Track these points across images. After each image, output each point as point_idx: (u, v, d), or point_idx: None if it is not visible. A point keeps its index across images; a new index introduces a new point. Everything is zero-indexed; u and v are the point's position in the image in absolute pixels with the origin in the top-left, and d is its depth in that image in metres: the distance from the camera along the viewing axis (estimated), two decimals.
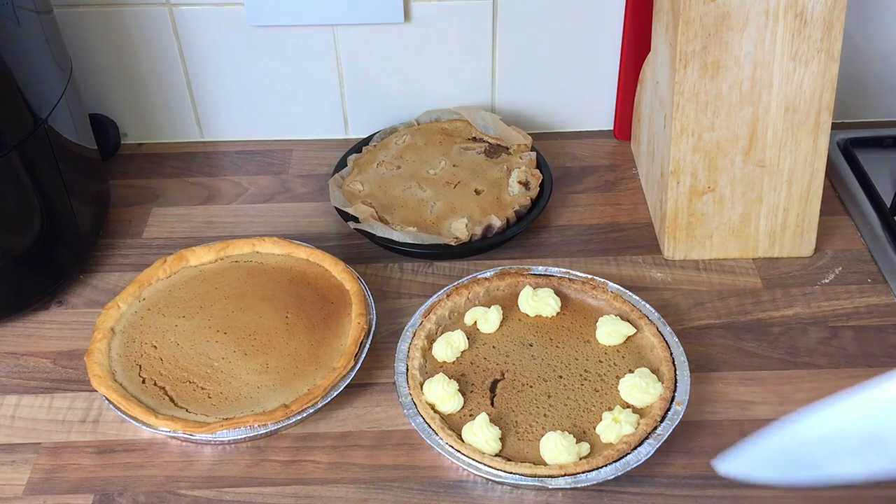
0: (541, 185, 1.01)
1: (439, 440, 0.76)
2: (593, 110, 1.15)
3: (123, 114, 1.13)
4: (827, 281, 0.93)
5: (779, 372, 0.84)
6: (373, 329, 0.85)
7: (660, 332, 0.83)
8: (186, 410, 0.79)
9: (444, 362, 0.83)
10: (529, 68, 1.11)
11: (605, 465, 0.73)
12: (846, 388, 0.80)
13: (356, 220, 0.97)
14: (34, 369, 0.86)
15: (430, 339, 0.85)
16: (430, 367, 0.83)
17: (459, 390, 0.79)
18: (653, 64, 0.99)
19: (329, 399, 0.79)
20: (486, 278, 0.90)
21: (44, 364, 0.87)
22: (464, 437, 0.76)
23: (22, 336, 0.89)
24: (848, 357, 0.85)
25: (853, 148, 1.08)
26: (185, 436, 0.77)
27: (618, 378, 0.80)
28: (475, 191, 1.01)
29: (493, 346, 0.85)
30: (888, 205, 0.99)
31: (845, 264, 0.94)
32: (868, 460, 0.52)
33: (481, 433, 0.75)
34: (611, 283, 0.89)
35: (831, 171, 1.05)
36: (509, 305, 0.88)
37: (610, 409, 0.77)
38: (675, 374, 0.80)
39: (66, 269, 0.93)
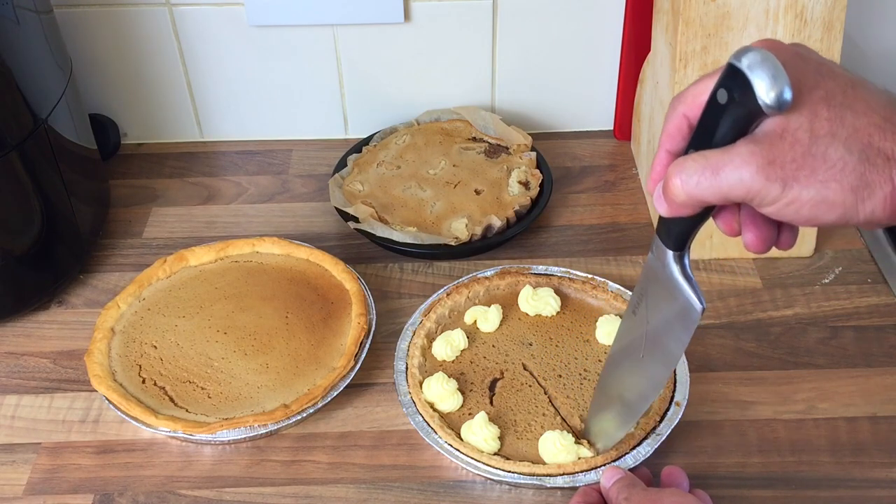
0: (541, 185, 1.01)
1: (438, 438, 0.76)
2: (593, 110, 1.15)
3: (123, 114, 1.13)
4: (827, 281, 0.93)
5: (779, 372, 0.84)
6: (373, 329, 0.85)
7: None
8: (186, 410, 0.79)
9: (444, 361, 0.83)
10: (529, 68, 1.11)
11: (604, 465, 0.73)
12: (846, 388, 0.81)
13: (356, 220, 0.97)
14: (34, 369, 0.86)
15: (430, 338, 0.85)
16: (430, 366, 0.83)
17: (459, 389, 0.79)
18: (653, 64, 0.98)
19: (329, 399, 0.79)
20: (486, 277, 0.90)
21: (44, 364, 0.87)
22: (462, 435, 0.76)
23: (22, 336, 0.89)
24: (848, 357, 0.85)
25: None
26: (185, 436, 0.77)
27: None
28: (475, 191, 1.01)
29: (493, 345, 0.84)
30: None
31: (845, 264, 0.94)
32: None
33: (480, 432, 0.75)
34: (611, 283, 0.89)
35: None
36: (509, 304, 0.88)
37: None
38: (675, 374, 0.80)
39: (66, 269, 0.93)
